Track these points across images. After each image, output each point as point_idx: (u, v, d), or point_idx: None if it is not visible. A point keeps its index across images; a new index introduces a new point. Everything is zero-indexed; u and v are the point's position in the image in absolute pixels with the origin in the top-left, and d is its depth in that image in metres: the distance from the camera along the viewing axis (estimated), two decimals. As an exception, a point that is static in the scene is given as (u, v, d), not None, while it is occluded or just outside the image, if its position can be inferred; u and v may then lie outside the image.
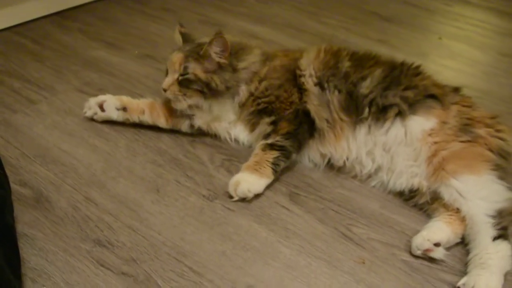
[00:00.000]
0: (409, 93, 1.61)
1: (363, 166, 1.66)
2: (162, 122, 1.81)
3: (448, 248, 1.44)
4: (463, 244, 1.47)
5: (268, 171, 1.60)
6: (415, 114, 1.59)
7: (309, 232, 1.49)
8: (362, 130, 1.63)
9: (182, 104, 1.72)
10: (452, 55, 2.63)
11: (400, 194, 1.63)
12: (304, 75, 1.70)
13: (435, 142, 1.55)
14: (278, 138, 1.65)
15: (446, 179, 1.48)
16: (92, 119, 1.85)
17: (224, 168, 1.71)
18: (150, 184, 1.62)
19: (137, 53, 2.41)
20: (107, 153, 1.73)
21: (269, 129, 1.69)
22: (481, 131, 1.54)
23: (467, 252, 1.42)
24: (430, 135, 1.56)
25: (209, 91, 1.69)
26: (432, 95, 1.62)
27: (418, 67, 1.72)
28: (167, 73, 1.75)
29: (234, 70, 1.71)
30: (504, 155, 1.53)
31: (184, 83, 1.69)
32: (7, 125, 1.83)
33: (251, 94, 1.72)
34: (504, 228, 1.38)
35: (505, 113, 1.88)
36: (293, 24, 2.85)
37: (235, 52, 1.73)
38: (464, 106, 1.62)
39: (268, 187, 1.62)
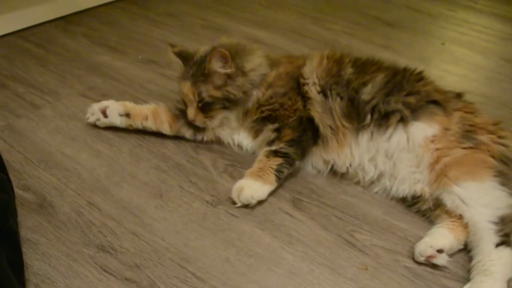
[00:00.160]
0: (411, 99, 1.61)
1: (366, 173, 1.66)
2: (165, 128, 1.81)
3: (451, 255, 1.44)
4: (466, 250, 1.46)
5: (272, 178, 1.60)
6: (417, 120, 1.59)
7: (312, 239, 1.49)
8: (364, 136, 1.63)
9: (213, 124, 1.75)
10: (455, 60, 2.63)
11: (402, 200, 1.63)
12: (307, 84, 1.70)
13: (438, 149, 1.54)
14: (282, 145, 1.65)
15: (449, 185, 1.48)
16: (95, 125, 1.85)
17: (228, 173, 1.71)
18: (154, 189, 1.62)
19: (141, 58, 2.41)
20: (110, 158, 1.73)
21: (273, 136, 1.69)
22: (484, 137, 1.54)
23: (470, 259, 1.42)
24: (432, 141, 1.56)
25: (230, 103, 1.70)
26: (434, 101, 1.62)
27: (420, 72, 1.72)
28: (185, 105, 1.75)
29: (243, 73, 1.70)
30: (507, 162, 1.52)
31: (206, 107, 1.70)
32: (10, 129, 1.83)
33: (257, 101, 1.72)
34: (507, 235, 1.38)
35: (508, 119, 1.87)
36: (296, 29, 2.85)
37: (237, 54, 1.72)
38: (466, 112, 1.62)
39: (271, 193, 1.62)
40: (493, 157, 1.51)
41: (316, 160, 1.72)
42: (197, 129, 1.80)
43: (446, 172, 1.50)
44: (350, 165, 1.67)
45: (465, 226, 1.45)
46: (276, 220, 1.55)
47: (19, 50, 2.41)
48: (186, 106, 1.75)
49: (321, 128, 1.66)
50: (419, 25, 3.05)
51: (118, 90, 2.13)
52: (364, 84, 1.66)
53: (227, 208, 1.57)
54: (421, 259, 1.41)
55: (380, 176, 1.65)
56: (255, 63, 1.74)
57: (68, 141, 1.79)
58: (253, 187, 1.57)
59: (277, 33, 2.78)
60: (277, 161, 1.62)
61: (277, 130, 1.69)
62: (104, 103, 1.82)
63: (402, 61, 1.85)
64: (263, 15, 3.02)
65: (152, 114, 1.81)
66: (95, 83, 2.17)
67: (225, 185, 1.66)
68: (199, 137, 1.83)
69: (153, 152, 1.78)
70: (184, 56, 1.78)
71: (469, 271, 1.39)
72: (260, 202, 1.59)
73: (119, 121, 1.81)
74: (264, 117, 1.71)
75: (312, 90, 1.69)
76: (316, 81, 1.69)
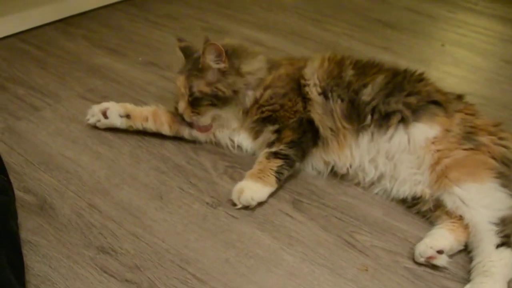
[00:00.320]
0: (412, 99, 1.61)
1: (366, 174, 1.66)
2: (165, 129, 1.82)
3: (451, 256, 1.44)
4: (466, 251, 1.47)
5: (272, 179, 1.60)
6: (418, 121, 1.59)
7: (312, 240, 1.49)
8: (365, 137, 1.63)
9: (202, 121, 1.75)
10: (455, 62, 2.64)
11: (403, 201, 1.63)
12: (308, 85, 1.70)
13: (438, 150, 1.55)
14: (282, 146, 1.65)
15: (449, 186, 1.48)
16: (95, 127, 1.85)
17: (228, 175, 1.72)
18: (154, 191, 1.62)
19: (141, 60, 2.42)
20: (110, 160, 1.73)
21: (273, 137, 1.69)
22: (484, 139, 1.54)
23: (470, 260, 1.42)
24: (433, 143, 1.56)
25: (219, 101, 1.70)
26: (435, 101, 1.62)
27: (421, 74, 1.72)
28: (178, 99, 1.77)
29: (238, 73, 1.71)
30: (507, 163, 1.52)
31: (195, 102, 1.70)
32: (11, 132, 1.84)
33: (256, 101, 1.73)
34: (507, 236, 1.37)
35: (508, 120, 1.88)
36: (297, 31, 2.85)
37: (234, 53, 1.73)
38: (467, 114, 1.62)
39: (271, 194, 1.62)
40: (493, 158, 1.52)
41: (316, 161, 1.72)
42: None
43: (446, 173, 1.50)
44: (351, 166, 1.67)
45: (465, 227, 1.45)
46: (276, 221, 1.55)
47: (19, 52, 2.41)
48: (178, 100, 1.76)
49: (321, 129, 1.66)
50: (419, 27, 3.05)
51: (118, 92, 2.13)
52: (365, 85, 1.66)
53: (227, 209, 1.57)
54: (421, 260, 1.41)
55: (381, 177, 1.66)
56: (254, 67, 1.75)
57: (68, 143, 1.79)
58: (253, 189, 1.57)
59: (278, 35, 2.78)
60: (277, 162, 1.62)
61: (277, 131, 1.69)
62: (105, 104, 1.83)
63: (402, 63, 1.85)
64: (263, 17, 3.02)
65: (152, 115, 1.81)
66: (95, 85, 2.17)
67: (225, 186, 1.66)
68: (196, 136, 1.83)
69: (153, 154, 1.78)
70: (187, 52, 1.81)
71: (469, 272, 1.39)
72: (260, 204, 1.59)
73: (119, 122, 1.81)
74: (264, 118, 1.72)
75: (313, 92, 1.69)
76: (317, 82, 1.70)
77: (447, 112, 1.60)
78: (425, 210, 1.57)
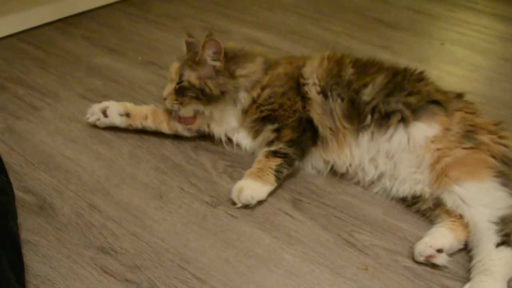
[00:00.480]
0: (412, 99, 1.61)
1: (366, 173, 1.66)
2: (164, 127, 1.82)
3: (451, 254, 1.44)
4: (466, 250, 1.46)
5: (271, 178, 1.60)
6: (418, 121, 1.58)
7: (312, 239, 1.49)
8: (365, 137, 1.63)
9: (182, 112, 1.75)
10: (455, 61, 2.63)
11: (403, 200, 1.63)
12: (307, 84, 1.70)
13: (438, 149, 1.54)
14: (281, 145, 1.65)
15: (449, 185, 1.48)
16: (95, 126, 1.85)
17: (227, 174, 1.71)
18: (154, 190, 1.62)
19: (140, 59, 2.42)
20: (110, 159, 1.73)
21: (272, 136, 1.69)
22: (484, 137, 1.54)
23: (470, 258, 1.42)
24: (433, 142, 1.56)
25: (204, 97, 1.69)
26: (435, 101, 1.62)
27: (421, 73, 1.72)
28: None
29: (232, 75, 1.71)
30: (507, 162, 1.52)
31: (180, 91, 1.70)
32: (10, 131, 1.84)
33: (254, 101, 1.73)
34: (507, 235, 1.37)
35: (509, 119, 1.88)
36: (297, 31, 2.85)
37: (234, 58, 1.74)
38: (467, 112, 1.62)
39: (271, 193, 1.62)
40: (493, 157, 1.51)
41: (316, 160, 1.72)
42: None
43: (446, 172, 1.50)
44: (350, 166, 1.67)
45: (465, 225, 1.45)
46: (276, 220, 1.54)
47: (18, 52, 2.41)
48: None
49: (320, 129, 1.66)
50: (419, 26, 3.05)
51: (118, 92, 2.13)
52: (365, 85, 1.66)
53: (226, 209, 1.57)
54: (421, 259, 1.41)
55: (381, 176, 1.65)
56: (250, 70, 1.75)
57: (68, 143, 1.79)
58: (253, 188, 1.57)
59: (278, 35, 2.78)
60: (276, 161, 1.62)
61: (277, 130, 1.69)
62: (105, 103, 1.83)
63: (402, 62, 1.85)
64: (263, 17, 3.02)
65: (152, 113, 1.82)
66: (95, 85, 2.17)
67: (225, 186, 1.66)
68: (195, 130, 1.84)
69: (153, 153, 1.78)
70: (191, 48, 1.81)
71: (469, 270, 1.39)
72: (260, 203, 1.59)
73: (119, 121, 1.81)
74: (263, 117, 1.72)
75: (312, 91, 1.69)
76: (316, 81, 1.69)
77: (447, 111, 1.60)
78: (425, 209, 1.57)
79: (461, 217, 1.46)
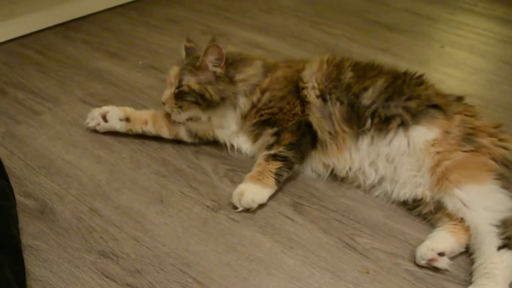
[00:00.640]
0: (412, 103, 1.61)
1: (366, 177, 1.66)
2: (165, 132, 1.82)
3: (452, 258, 1.44)
4: (468, 253, 1.46)
5: (271, 181, 1.60)
6: (418, 124, 1.58)
7: (313, 242, 1.49)
8: (364, 141, 1.63)
9: (180, 117, 1.74)
10: (454, 63, 2.63)
11: (403, 204, 1.63)
12: (306, 88, 1.71)
13: (438, 152, 1.54)
14: (281, 149, 1.65)
15: (450, 189, 1.48)
16: (95, 130, 1.85)
17: (228, 178, 1.72)
18: (154, 195, 1.62)
19: (141, 63, 2.42)
20: (111, 164, 1.73)
21: (272, 140, 1.69)
22: (484, 140, 1.54)
23: (472, 262, 1.42)
24: (433, 145, 1.56)
25: (204, 102, 1.70)
26: (435, 105, 1.62)
27: (420, 76, 1.72)
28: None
29: (231, 81, 1.71)
30: (508, 165, 1.52)
31: (180, 95, 1.71)
32: (11, 136, 1.84)
33: (254, 106, 1.73)
34: (509, 238, 1.37)
35: (508, 121, 1.89)
36: (296, 34, 2.85)
37: (233, 63, 1.74)
38: (467, 115, 1.62)
39: (272, 197, 1.62)
40: (494, 160, 1.51)
41: (316, 164, 1.72)
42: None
43: (447, 175, 1.50)
44: (350, 169, 1.67)
45: (466, 229, 1.45)
46: (277, 224, 1.54)
47: (19, 56, 2.41)
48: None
49: (319, 133, 1.66)
50: (419, 29, 3.05)
51: (118, 96, 2.13)
52: (365, 89, 1.66)
53: (227, 212, 1.57)
54: (423, 262, 1.41)
55: (381, 180, 1.65)
56: (248, 74, 1.75)
57: (68, 147, 1.79)
58: (253, 191, 1.57)
59: (277, 38, 2.78)
60: (276, 164, 1.62)
61: (276, 134, 1.69)
62: (104, 108, 1.83)
63: (402, 65, 1.85)
64: (262, 20, 3.02)
65: (152, 118, 1.82)
66: (95, 89, 2.17)
67: (226, 190, 1.66)
68: (194, 136, 1.84)
69: (154, 158, 1.78)
70: (190, 52, 1.82)
71: (470, 274, 1.39)
72: (261, 207, 1.59)
73: (119, 126, 1.81)
74: (263, 121, 1.72)
75: (311, 95, 1.69)
76: (316, 85, 1.70)
77: (447, 114, 1.60)
78: (426, 212, 1.57)
79: (462, 220, 1.46)
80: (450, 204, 1.48)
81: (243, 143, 1.80)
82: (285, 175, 1.64)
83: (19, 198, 1.54)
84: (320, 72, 1.72)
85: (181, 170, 1.73)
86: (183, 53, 1.84)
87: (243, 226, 1.53)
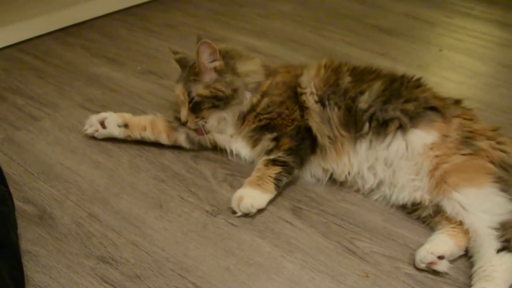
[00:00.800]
0: (410, 106, 1.61)
1: (365, 181, 1.66)
2: (163, 138, 1.82)
3: (452, 261, 1.44)
4: (467, 256, 1.46)
5: (271, 186, 1.60)
6: (416, 128, 1.58)
7: (312, 247, 1.49)
8: (363, 145, 1.63)
9: (210, 126, 1.75)
10: (453, 67, 2.64)
11: (402, 207, 1.63)
12: (305, 93, 1.71)
13: (437, 156, 1.54)
14: (280, 153, 1.65)
15: (448, 192, 1.48)
16: (93, 136, 1.85)
17: (227, 183, 1.72)
18: (153, 200, 1.62)
19: (139, 69, 2.42)
20: (110, 169, 1.73)
21: (271, 145, 1.69)
22: (483, 143, 1.54)
23: (471, 265, 1.42)
24: (431, 148, 1.56)
25: (220, 102, 1.71)
26: (433, 107, 1.62)
27: (418, 79, 1.72)
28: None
29: (234, 72, 1.72)
30: (506, 167, 1.52)
31: (196, 107, 1.71)
32: (10, 142, 1.84)
33: (253, 108, 1.73)
34: (508, 241, 1.37)
35: (507, 124, 1.89)
36: (295, 38, 2.86)
37: (231, 55, 1.75)
38: (465, 119, 1.62)
39: (271, 202, 1.62)
40: (492, 163, 1.51)
41: (315, 169, 1.72)
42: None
43: (445, 178, 1.50)
44: (349, 174, 1.67)
45: (466, 232, 1.45)
46: (276, 228, 1.54)
47: (18, 62, 2.42)
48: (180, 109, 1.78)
49: (319, 138, 1.66)
50: (417, 33, 3.05)
51: (117, 102, 2.13)
52: (361, 92, 1.66)
53: (227, 217, 1.57)
54: (422, 265, 1.41)
55: (380, 184, 1.65)
56: (250, 68, 1.76)
57: (67, 153, 1.79)
58: (253, 196, 1.57)
59: (275, 42, 2.79)
60: (275, 169, 1.62)
61: (276, 139, 1.69)
62: (103, 114, 1.83)
63: (400, 69, 1.85)
64: (261, 25, 3.03)
65: (150, 124, 1.81)
66: (94, 94, 2.18)
67: (225, 194, 1.66)
68: (195, 141, 1.83)
69: (153, 163, 1.78)
70: (183, 63, 1.82)
71: (470, 277, 1.39)
72: (260, 211, 1.59)
73: (117, 132, 1.81)
74: (262, 126, 1.72)
75: (310, 100, 1.69)
76: (314, 90, 1.70)
77: (445, 117, 1.60)
78: (425, 215, 1.57)
79: (461, 223, 1.46)
80: (449, 207, 1.48)
81: (242, 148, 1.80)
82: (285, 180, 1.64)
83: (18, 203, 1.54)
84: (318, 78, 1.72)
85: (180, 175, 1.73)
86: (177, 66, 1.85)
87: (242, 230, 1.53)
